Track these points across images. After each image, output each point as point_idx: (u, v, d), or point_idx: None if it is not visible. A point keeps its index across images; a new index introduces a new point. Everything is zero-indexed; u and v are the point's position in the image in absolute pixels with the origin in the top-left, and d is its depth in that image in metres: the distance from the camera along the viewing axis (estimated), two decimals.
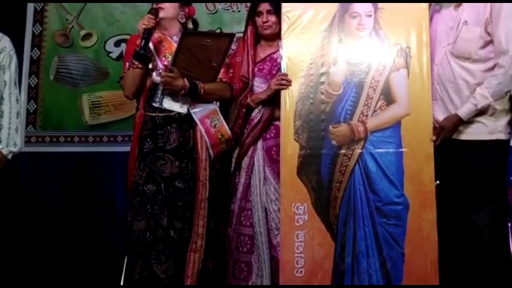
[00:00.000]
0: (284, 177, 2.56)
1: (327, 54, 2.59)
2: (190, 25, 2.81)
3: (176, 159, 2.56)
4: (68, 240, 3.83)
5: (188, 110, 2.60)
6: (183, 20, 2.75)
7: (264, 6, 2.78)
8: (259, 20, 2.81)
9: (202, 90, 2.59)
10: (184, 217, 2.53)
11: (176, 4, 2.70)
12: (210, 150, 2.63)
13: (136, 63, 2.56)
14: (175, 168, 2.56)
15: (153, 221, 2.52)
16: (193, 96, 2.59)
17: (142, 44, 2.52)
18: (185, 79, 2.54)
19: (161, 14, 2.63)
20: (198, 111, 2.62)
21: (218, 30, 3.94)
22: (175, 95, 2.57)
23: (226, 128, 2.67)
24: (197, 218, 2.55)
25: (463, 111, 2.45)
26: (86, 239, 3.84)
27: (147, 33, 2.53)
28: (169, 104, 2.57)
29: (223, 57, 2.60)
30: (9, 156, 2.71)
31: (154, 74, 2.61)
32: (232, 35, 2.67)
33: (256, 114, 2.77)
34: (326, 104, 2.56)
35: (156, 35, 2.62)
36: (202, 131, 2.61)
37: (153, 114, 2.61)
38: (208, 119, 2.63)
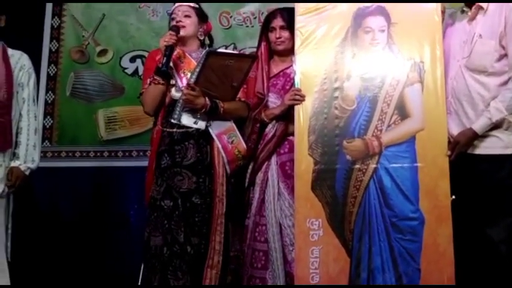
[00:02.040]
0: (298, 192, 2.55)
1: (341, 69, 2.59)
2: (207, 41, 2.85)
3: (193, 174, 2.57)
4: (83, 254, 3.86)
5: (206, 126, 2.61)
6: (202, 37, 2.79)
7: (277, 22, 2.80)
8: (272, 36, 2.82)
9: (222, 109, 2.60)
10: (201, 233, 2.53)
11: (196, 21, 2.74)
12: (227, 166, 2.64)
13: (158, 79, 2.58)
14: (193, 184, 2.56)
15: (170, 236, 2.52)
16: (212, 115, 2.60)
17: (164, 60, 2.53)
18: (206, 98, 2.56)
19: (182, 33, 2.66)
20: (216, 128, 2.63)
21: (232, 46, 3.98)
22: (194, 112, 2.58)
23: (243, 144, 2.68)
24: (214, 234, 2.55)
25: (478, 126, 2.43)
26: (101, 253, 3.86)
27: (169, 50, 2.55)
28: (187, 120, 2.58)
29: (244, 77, 2.61)
30: (27, 173, 2.74)
31: (173, 90, 2.62)
32: (254, 57, 2.70)
33: (270, 130, 2.77)
34: (340, 119, 2.56)
35: (176, 51, 2.64)
36: (220, 147, 2.62)
37: (171, 130, 2.61)
38: (225, 135, 2.64)
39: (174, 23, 2.71)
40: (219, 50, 2.67)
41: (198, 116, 2.59)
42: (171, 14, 2.78)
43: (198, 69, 2.55)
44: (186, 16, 2.71)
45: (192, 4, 2.77)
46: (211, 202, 2.57)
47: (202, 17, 2.79)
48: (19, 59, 2.81)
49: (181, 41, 2.68)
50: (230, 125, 2.69)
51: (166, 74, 2.57)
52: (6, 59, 2.75)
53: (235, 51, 2.99)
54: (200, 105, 2.55)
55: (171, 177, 2.57)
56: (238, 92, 2.67)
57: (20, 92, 2.78)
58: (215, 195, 2.59)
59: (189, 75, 2.64)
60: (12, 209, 2.78)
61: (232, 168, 2.66)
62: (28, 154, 2.75)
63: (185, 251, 2.51)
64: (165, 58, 2.54)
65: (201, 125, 2.60)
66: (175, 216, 2.54)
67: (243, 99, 2.74)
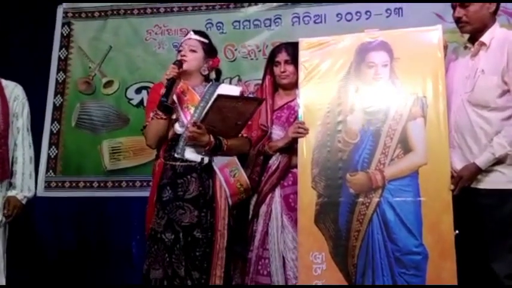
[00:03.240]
0: (302, 225, 2.55)
1: (344, 103, 2.61)
2: (212, 75, 2.86)
3: (195, 208, 2.56)
4: (85, 283, 3.84)
5: (209, 161, 2.62)
6: (206, 73, 2.79)
7: (282, 57, 2.84)
8: (277, 70, 2.86)
9: (225, 146, 2.62)
10: (202, 267, 2.51)
11: (201, 57, 2.75)
12: (229, 200, 2.63)
13: (160, 114, 2.58)
14: (194, 218, 2.55)
15: (171, 270, 2.51)
16: (216, 152, 2.62)
17: (165, 93, 2.55)
18: (210, 136, 2.57)
19: (184, 66, 2.67)
20: (218, 162, 2.64)
21: (236, 78, 4.03)
22: (197, 147, 2.60)
23: (245, 178, 2.69)
24: (215, 269, 2.54)
25: (481, 161, 2.43)
26: (103, 282, 3.84)
27: (170, 84, 2.57)
28: (190, 155, 2.60)
29: (249, 117, 2.65)
30: (24, 202, 2.76)
31: (177, 125, 2.64)
32: (261, 100, 2.72)
33: (274, 162, 2.79)
34: (343, 152, 2.56)
35: (180, 85, 2.65)
36: (222, 180, 2.62)
37: (174, 163, 2.62)
38: (227, 169, 2.65)
39: (179, 55, 2.73)
40: (229, 94, 2.66)
41: (201, 151, 2.60)
42: (179, 46, 2.81)
43: (203, 106, 2.60)
44: (191, 51, 2.72)
45: (201, 39, 2.78)
46: (213, 236, 2.56)
47: (209, 53, 2.79)
48: (13, 90, 2.84)
49: (185, 74, 2.69)
50: (232, 158, 2.70)
51: (168, 108, 2.58)
52: (0, 90, 2.78)
53: (244, 95, 2.99)
54: (205, 142, 2.57)
55: (173, 211, 2.57)
56: (242, 129, 2.70)
57: (14, 122, 2.81)
58: (216, 229, 2.58)
59: (192, 109, 2.66)
60: (7, 239, 2.78)
61: (234, 201, 2.66)
62: (24, 183, 2.77)
63: (186, 285, 2.49)
64: (165, 91, 2.56)
65: (204, 159, 2.61)
66: (176, 249, 2.53)
67: (245, 135, 2.76)
